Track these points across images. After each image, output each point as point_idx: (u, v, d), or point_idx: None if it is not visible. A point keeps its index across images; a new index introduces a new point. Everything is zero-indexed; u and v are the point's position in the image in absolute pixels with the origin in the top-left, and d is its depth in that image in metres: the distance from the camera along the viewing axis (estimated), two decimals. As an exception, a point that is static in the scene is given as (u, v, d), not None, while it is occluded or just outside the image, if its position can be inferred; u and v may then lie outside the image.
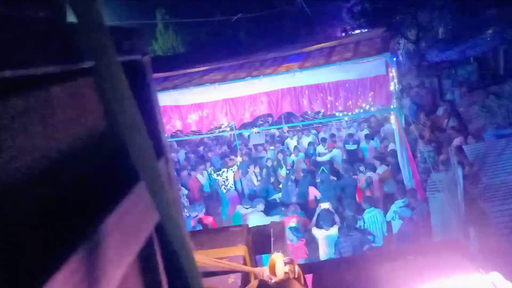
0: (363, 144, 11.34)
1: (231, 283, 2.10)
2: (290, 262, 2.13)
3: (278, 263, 2.05)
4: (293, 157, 11.12)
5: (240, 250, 2.38)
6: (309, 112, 12.89)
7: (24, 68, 0.58)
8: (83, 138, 0.78)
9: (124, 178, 0.78)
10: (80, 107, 0.79)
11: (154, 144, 0.68)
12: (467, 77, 15.05)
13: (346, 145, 11.31)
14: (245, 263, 2.32)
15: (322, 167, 9.66)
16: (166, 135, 1.03)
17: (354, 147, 11.17)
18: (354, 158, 10.60)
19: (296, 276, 2.10)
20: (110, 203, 0.72)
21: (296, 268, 2.15)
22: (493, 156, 7.59)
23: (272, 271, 2.06)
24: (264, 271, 2.14)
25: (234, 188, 10.30)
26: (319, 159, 10.84)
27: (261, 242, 2.74)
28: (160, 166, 0.80)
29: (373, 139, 11.25)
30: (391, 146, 9.87)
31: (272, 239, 2.68)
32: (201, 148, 13.41)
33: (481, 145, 8.31)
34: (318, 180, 9.22)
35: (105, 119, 0.86)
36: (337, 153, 10.98)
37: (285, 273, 2.06)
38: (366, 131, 11.88)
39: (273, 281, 2.05)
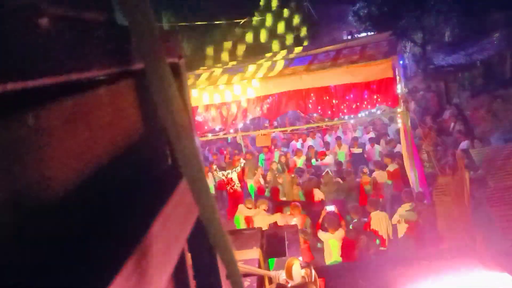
0: (368, 147, 11.32)
1: (247, 286, 2.09)
2: (307, 266, 2.12)
3: (295, 267, 2.04)
4: (297, 159, 11.12)
5: (255, 253, 2.38)
6: (315, 115, 12.93)
7: (81, 71, 0.59)
8: (126, 141, 0.79)
9: (164, 180, 0.78)
10: (123, 109, 0.79)
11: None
12: (473, 81, 15.01)
13: (351, 148, 11.29)
14: (259, 266, 2.32)
15: (327, 169, 9.65)
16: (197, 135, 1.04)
17: (359, 150, 11.15)
18: (359, 162, 10.57)
19: (312, 280, 2.09)
20: (154, 205, 0.72)
21: (313, 272, 2.15)
22: (499, 160, 7.56)
23: (289, 275, 2.06)
24: (280, 275, 2.14)
25: (240, 188, 10.30)
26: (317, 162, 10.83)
27: (275, 246, 2.74)
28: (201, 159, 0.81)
29: (378, 143, 11.22)
30: (398, 148, 9.86)
31: (286, 242, 2.67)
32: (205, 150, 13.42)
33: (487, 149, 8.28)
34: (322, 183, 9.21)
35: (148, 120, 0.86)
36: (338, 156, 10.96)
37: (302, 277, 2.06)
38: (372, 135, 11.85)
39: (290, 285, 2.04)
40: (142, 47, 0.59)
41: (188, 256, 0.95)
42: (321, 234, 7.26)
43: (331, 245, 7.04)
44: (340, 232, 7.03)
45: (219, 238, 0.68)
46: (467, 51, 15.43)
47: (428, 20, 16.56)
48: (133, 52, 0.72)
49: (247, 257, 2.36)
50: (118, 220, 0.66)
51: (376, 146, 11.12)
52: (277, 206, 8.51)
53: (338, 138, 11.90)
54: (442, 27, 16.75)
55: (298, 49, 12.36)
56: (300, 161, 10.98)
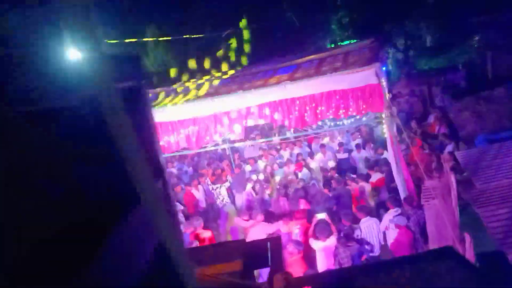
0: (354, 153, 11.41)
1: (230, 299, 2.09)
2: (288, 276, 2.13)
3: (276, 278, 2.05)
4: (286, 169, 11.15)
5: (238, 265, 2.38)
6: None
7: (37, 104, 0.60)
8: (85, 163, 0.80)
9: (124, 201, 0.79)
10: (87, 134, 0.81)
11: (152, 166, 0.70)
12: (456, 84, 15.23)
13: (336, 154, 11.39)
14: (243, 278, 2.32)
15: (313, 181, 9.71)
16: (163, 156, 1.05)
17: (345, 155, 11.24)
18: (345, 167, 10.67)
19: (294, 290, 2.10)
20: (111, 225, 0.73)
21: (294, 281, 2.15)
22: (485, 162, 7.65)
23: (271, 286, 2.06)
24: (262, 286, 2.14)
25: (229, 202, 10.29)
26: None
27: (258, 257, 2.74)
28: (158, 187, 0.82)
29: (364, 148, 11.32)
30: (385, 154, 9.95)
31: (269, 253, 2.68)
32: (193, 163, 13.40)
33: (473, 151, 8.37)
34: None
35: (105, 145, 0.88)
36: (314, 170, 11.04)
37: (284, 287, 2.06)
38: (358, 141, 11.96)
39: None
40: (90, 75, 0.61)
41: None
42: (312, 242, 7.26)
43: (324, 253, 7.06)
44: (332, 240, 7.05)
45: (178, 257, 0.69)
46: (448, 55, 15.69)
47: (409, 26, 16.82)
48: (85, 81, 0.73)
49: (231, 269, 2.36)
50: (70, 243, 0.67)
51: (363, 151, 11.22)
52: (272, 216, 8.54)
53: (322, 146, 11.99)
54: (423, 32, 17.02)
55: (282, 59, 12.46)
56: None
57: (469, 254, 5.58)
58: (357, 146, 11.49)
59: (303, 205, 8.82)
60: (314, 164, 11.35)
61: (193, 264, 0.73)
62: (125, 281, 0.75)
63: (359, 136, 12.38)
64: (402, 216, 7.07)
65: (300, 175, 10.69)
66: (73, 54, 0.66)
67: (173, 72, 10.82)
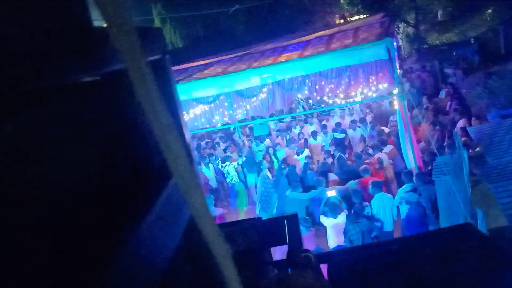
0: (350, 132, 11.33)
1: (248, 276, 2.11)
2: (306, 253, 2.14)
3: (295, 254, 2.06)
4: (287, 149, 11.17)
5: (255, 243, 2.39)
6: (311, 102, 12.92)
7: (59, 77, 0.58)
8: (114, 139, 0.79)
9: (155, 179, 0.78)
10: (110, 109, 0.79)
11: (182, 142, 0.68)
12: (468, 59, 14.97)
13: (334, 133, 11.32)
14: (261, 256, 2.34)
15: (339, 154, 9.65)
16: (188, 133, 1.03)
17: (342, 135, 11.16)
18: (340, 146, 10.62)
19: (313, 266, 2.11)
20: (144, 205, 0.72)
21: (313, 258, 2.16)
22: (497, 137, 7.57)
23: (290, 262, 2.07)
24: (281, 263, 2.15)
25: (239, 180, 10.32)
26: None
27: (275, 234, 2.75)
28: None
29: (359, 127, 11.22)
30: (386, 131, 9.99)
31: (286, 231, 2.69)
32: (203, 143, 13.41)
33: (485, 126, 8.28)
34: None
35: (137, 120, 0.86)
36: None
37: (302, 263, 2.07)
38: (356, 117, 11.89)
39: (290, 272, 2.06)
40: (120, 46, 0.59)
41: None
42: (323, 219, 7.30)
43: (335, 230, 7.09)
44: (342, 217, 7.08)
45: (212, 236, 0.68)
46: (460, 29, 15.35)
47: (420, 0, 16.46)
48: (112, 53, 0.71)
49: (248, 247, 2.38)
50: (107, 217, 0.67)
51: (358, 129, 11.14)
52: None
53: (323, 127, 11.91)
54: (434, 6, 16.64)
55: (291, 36, 12.31)
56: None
57: (481, 229, 5.58)
58: (352, 122, 11.42)
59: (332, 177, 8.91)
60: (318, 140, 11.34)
61: (225, 240, 0.72)
62: (160, 256, 0.75)
63: (369, 113, 12.28)
64: (414, 192, 7.06)
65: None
66: (98, 22, 0.63)
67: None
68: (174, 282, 0.88)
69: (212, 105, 9.40)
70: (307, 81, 8.81)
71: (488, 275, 2.28)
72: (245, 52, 11.08)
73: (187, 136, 0.98)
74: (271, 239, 2.72)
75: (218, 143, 12.67)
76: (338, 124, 11.42)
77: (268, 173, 9.51)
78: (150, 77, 0.59)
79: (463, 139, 7.60)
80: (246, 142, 12.13)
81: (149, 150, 0.81)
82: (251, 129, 12.55)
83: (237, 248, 2.30)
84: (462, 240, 2.31)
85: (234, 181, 10.16)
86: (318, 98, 10.30)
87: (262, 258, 2.39)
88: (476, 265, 2.17)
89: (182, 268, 0.93)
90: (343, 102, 12.06)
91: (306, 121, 12.67)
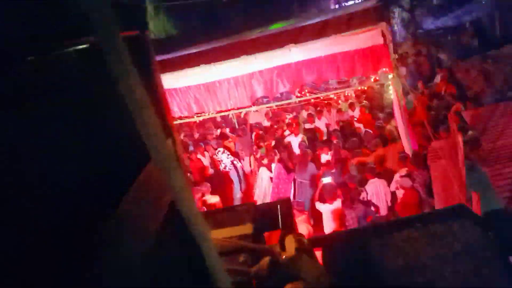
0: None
1: (242, 261, 2.11)
2: (300, 238, 2.13)
3: (288, 239, 2.05)
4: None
5: (248, 228, 2.39)
6: (307, 89, 12.88)
7: (33, 45, 0.56)
8: (92, 119, 0.76)
9: (134, 160, 0.76)
10: (88, 86, 0.76)
11: (161, 123, 0.65)
12: (464, 43, 14.93)
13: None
14: (254, 241, 2.33)
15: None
16: (172, 115, 1.00)
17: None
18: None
19: (306, 251, 2.11)
20: (122, 185, 0.70)
21: (306, 242, 2.16)
22: (492, 121, 7.59)
23: (283, 247, 2.07)
24: (274, 248, 2.15)
25: (233, 168, 10.33)
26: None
27: (269, 219, 2.75)
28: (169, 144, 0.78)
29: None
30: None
31: (280, 216, 2.68)
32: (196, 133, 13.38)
33: (480, 110, 8.29)
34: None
35: (111, 97, 0.83)
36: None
37: (295, 248, 2.07)
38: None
39: (284, 257, 2.06)
40: (93, 19, 0.56)
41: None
42: (319, 205, 7.34)
43: (331, 215, 7.14)
44: (338, 202, 7.12)
45: (192, 218, 0.66)
46: (455, 13, 15.29)
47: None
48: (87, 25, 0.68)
49: (241, 232, 2.38)
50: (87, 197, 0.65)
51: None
52: None
53: (319, 112, 11.95)
54: (429, -10, 16.55)
55: (285, 22, 12.18)
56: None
57: (476, 213, 5.60)
58: (350, 104, 11.53)
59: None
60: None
61: (206, 223, 0.70)
62: (140, 239, 0.73)
63: (364, 99, 12.26)
64: (407, 177, 7.09)
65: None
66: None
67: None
68: (159, 262, 0.87)
69: (205, 93, 9.34)
70: (302, 68, 8.75)
71: (482, 255, 2.29)
72: (240, 39, 10.97)
73: (169, 116, 0.95)
74: (264, 224, 2.72)
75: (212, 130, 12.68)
76: (309, 115, 11.58)
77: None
78: (124, 51, 0.56)
79: (458, 123, 7.60)
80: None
81: (126, 129, 0.78)
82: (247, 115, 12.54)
83: (230, 234, 2.30)
84: (455, 221, 2.31)
85: (228, 168, 10.17)
86: (314, 84, 10.27)
87: (256, 243, 2.39)
88: (469, 245, 2.18)
89: (167, 249, 0.91)
90: (338, 88, 12.04)
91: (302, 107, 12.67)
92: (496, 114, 7.83)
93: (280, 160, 9.17)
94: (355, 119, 11.18)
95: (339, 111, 11.81)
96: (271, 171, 9.19)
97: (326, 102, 12.60)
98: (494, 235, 2.50)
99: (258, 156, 10.18)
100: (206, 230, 0.69)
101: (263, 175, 9.23)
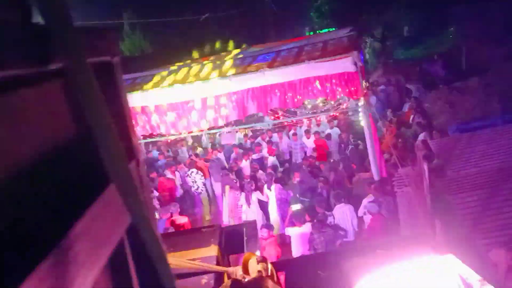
0: (304, 139, 11.92)
1: (205, 283, 2.10)
2: (263, 261, 2.15)
3: (251, 262, 2.06)
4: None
5: (213, 250, 2.38)
6: (280, 112, 13.05)
7: None
8: (53, 141, 0.77)
9: (95, 181, 0.77)
10: (49, 110, 0.77)
11: (124, 146, 0.67)
12: (431, 74, 15.49)
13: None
14: (218, 263, 2.33)
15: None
16: (137, 137, 1.02)
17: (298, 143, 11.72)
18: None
19: (269, 274, 2.12)
20: (81, 207, 0.71)
21: (269, 266, 2.17)
22: (457, 150, 7.82)
23: (245, 270, 2.07)
24: (237, 271, 2.15)
25: (204, 190, 10.28)
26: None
27: (234, 242, 2.75)
28: (131, 168, 0.80)
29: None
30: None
31: (245, 238, 2.69)
32: (169, 150, 13.28)
33: (445, 140, 8.56)
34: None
35: (75, 121, 0.84)
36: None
37: (258, 271, 2.08)
38: (305, 128, 12.32)
39: (246, 280, 2.06)
40: (59, 45, 0.58)
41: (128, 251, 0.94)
42: (289, 230, 7.38)
43: (300, 239, 7.16)
44: (307, 226, 7.16)
45: (149, 238, 0.68)
46: (424, 45, 15.92)
47: (387, 15, 16.98)
48: (53, 52, 0.69)
49: (205, 254, 2.37)
50: (40, 220, 0.65)
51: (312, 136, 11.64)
52: None
53: (294, 134, 12.23)
54: (400, 22, 17.21)
55: (261, 46, 12.39)
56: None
57: (440, 241, 5.73)
58: (306, 131, 12.01)
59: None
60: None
61: (165, 245, 0.71)
62: (95, 262, 0.74)
63: (336, 125, 12.52)
64: (374, 203, 7.21)
65: (270, 160, 10.86)
66: (38, 19, 0.62)
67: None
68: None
69: (179, 111, 9.32)
70: (276, 91, 8.88)
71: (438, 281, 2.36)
72: (215, 60, 11.06)
73: (134, 140, 0.97)
74: (229, 246, 2.72)
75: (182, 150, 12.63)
76: (294, 134, 11.89)
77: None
78: (91, 77, 0.59)
79: (424, 151, 7.82)
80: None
81: (89, 152, 0.79)
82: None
83: (194, 256, 2.29)
84: (415, 248, 2.38)
85: (200, 190, 10.12)
86: (286, 109, 10.44)
87: (220, 265, 2.39)
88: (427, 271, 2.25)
89: (124, 272, 0.92)
90: (310, 113, 12.29)
91: (274, 131, 12.82)
92: (460, 144, 8.07)
93: (277, 180, 9.25)
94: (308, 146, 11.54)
95: (294, 135, 12.13)
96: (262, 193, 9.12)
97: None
98: (452, 263, 2.57)
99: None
100: (164, 254, 0.70)
101: (254, 198, 9.03)
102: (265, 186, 9.11)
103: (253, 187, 9.05)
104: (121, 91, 0.94)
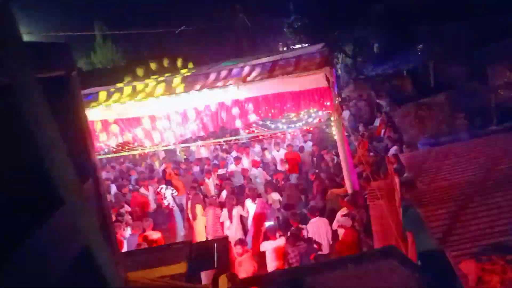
0: (274, 152, 12.12)
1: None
2: (233, 277, 2.11)
3: (221, 279, 2.03)
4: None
5: (183, 267, 2.33)
6: (254, 125, 13.09)
7: None
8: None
9: (47, 202, 0.73)
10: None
11: (82, 163, 0.65)
12: (401, 90, 15.88)
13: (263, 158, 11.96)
14: (188, 281, 2.28)
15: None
16: (96, 153, 0.99)
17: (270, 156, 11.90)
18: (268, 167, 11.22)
19: (239, 291, 2.09)
20: (29, 228, 0.67)
21: (239, 282, 2.14)
22: (426, 164, 7.97)
23: (216, 287, 2.04)
24: (207, 287, 2.11)
25: (176, 205, 10.15)
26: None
27: (204, 258, 2.70)
28: (86, 186, 0.77)
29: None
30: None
31: (216, 255, 2.65)
32: (143, 164, 13.08)
33: (415, 153, 8.73)
34: None
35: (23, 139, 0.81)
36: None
37: (228, 288, 2.05)
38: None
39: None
40: (3, 59, 0.56)
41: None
42: (263, 244, 7.34)
43: (275, 254, 7.12)
44: (282, 240, 7.14)
45: (104, 260, 0.65)
46: (394, 62, 16.34)
47: (358, 32, 17.40)
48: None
49: (175, 271, 2.32)
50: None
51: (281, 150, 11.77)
52: None
53: (264, 149, 12.40)
54: (371, 40, 17.66)
55: (235, 61, 12.45)
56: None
57: (411, 253, 5.81)
58: (276, 144, 12.38)
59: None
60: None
61: (121, 267, 0.68)
62: (45, 282, 0.70)
63: (310, 139, 12.65)
64: (347, 216, 7.26)
65: (254, 172, 10.88)
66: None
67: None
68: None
69: (154, 125, 9.22)
70: (250, 105, 8.92)
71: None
72: (189, 74, 11.03)
73: (92, 156, 0.94)
74: (200, 263, 2.66)
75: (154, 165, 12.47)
76: (264, 148, 12.01)
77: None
78: (36, 91, 0.56)
79: (395, 165, 7.96)
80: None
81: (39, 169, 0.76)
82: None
83: (164, 273, 2.23)
84: (385, 261, 2.39)
85: (171, 205, 9.98)
86: (260, 122, 10.48)
87: (191, 282, 2.33)
88: (396, 285, 2.26)
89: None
90: (284, 127, 12.38)
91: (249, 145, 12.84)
92: (429, 158, 8.23)
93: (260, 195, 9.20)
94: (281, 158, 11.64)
95: (263, 149, 12.25)
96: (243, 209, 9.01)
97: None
98: (422, 276, 2.60)
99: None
100: (117, 274, 0.68)
101: (235, 213, 8.91)
102: (248, 200, 9.00)
103: (234, 202, 8.95)
104: (79, 106, 0.91)
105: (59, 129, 0.61)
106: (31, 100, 0.57)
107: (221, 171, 11.30)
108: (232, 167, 11.43)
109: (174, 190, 10.22)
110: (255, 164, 11.37)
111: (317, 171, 9.99)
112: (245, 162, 11.59)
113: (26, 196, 0.77)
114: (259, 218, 8.68)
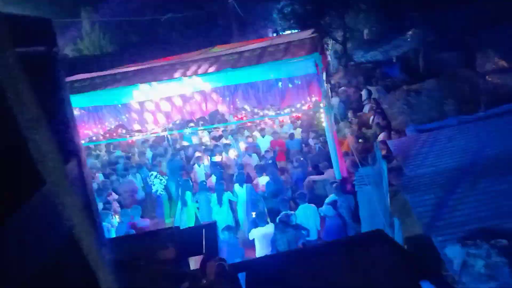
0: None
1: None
2: (221, 262, 2.11)
3: (209, 264, 2.03)
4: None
5: (171, 253, 2.32)
6: (243, 112, 13.05)
7: None
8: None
9: (28, 182, 0.71)
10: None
11: (65, 143, 0.63)
12: (390, 76, 15.93)
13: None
14: (176, 266, 2.27)
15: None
16: (79, 134, 0.96)
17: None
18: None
19: (227, 276, 2.09)
20: (9, 208, 0.65)
21: (227, 268, 2.14)
22: (414, 150, 8.03)
23: (203, 273, 2.04)
24: (195, 273, 2.11)
25: (165, 193, 10.12)
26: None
27: (193, 244, 2.70)
28: (70, 167, 0.75)
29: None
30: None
31: (204, 240, 2.65)
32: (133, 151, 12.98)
33: (403, 140, 8.78)
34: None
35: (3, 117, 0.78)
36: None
37: (216, 273, 2.05)
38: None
39: (204, 281, 2.02)
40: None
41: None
42: (252, 231, 7.37)
43: (264, 240, 7.17)
44: (270, 226, 7.17)
45: (88, 243, 0.63)
46: (384, 48, 16.35)
47: (348, 19, 17.33)
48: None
49: (163, 257, 2.31)
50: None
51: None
52: None
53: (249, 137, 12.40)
54: (361, 26, 17.60)
55: (225, 46, 12.35)
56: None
57: (398, 237, 5.89)
58: (261, 130, 12.29)
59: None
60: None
61: (108, 250, 0.67)
62: (29, 265, 0.68)
63: (299, 126, 12.64)
64: (331, 205, 7.34)
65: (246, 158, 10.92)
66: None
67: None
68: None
69: (142, 112, 9.14)
70: (239, 91, 8.88)
71: (398, 278, 2.40)
72: (177, 60, 10.92)
73: (76, 137, 0.91)
74: (188, 249, 2.66)
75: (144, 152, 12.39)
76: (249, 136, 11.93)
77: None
78: (15, 66, 0.54)
79: (383, 151, 8.01)
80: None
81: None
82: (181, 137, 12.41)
83: (152, 258, 2.23)
84: (374, 245, 2.41)
85: (160, 192, 9.95)
86: (249, 109, 10.44)
87: (179, 268, 2.33)
88: (386, 268, 2.28)
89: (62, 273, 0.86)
90: (273, 113, 12.34)
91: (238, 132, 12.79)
92: (417, 144, 8.29)
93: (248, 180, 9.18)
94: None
95: (249, 137, 12.19)
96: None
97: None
98: (410, 259, 2.63)
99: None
100: (104, 259, 0.66)
101: (225, 199, 8.84)
102: (236, 185, 8.98)
103: (224, 187, 8.92)
104: (60, 85, 0.88)
105: (40, 107, 0.59)
106: (11, 75, 0.54)
107: (214, 158, 11.25)
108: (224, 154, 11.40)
109: (163, 178, 10.18)
110: (247, 150, 11.37)
111: (301, 158, 9.98)
112: (237, 149, 11.60)
113: (7, 176, 0.74)
114: (248, 203, 8.70)
